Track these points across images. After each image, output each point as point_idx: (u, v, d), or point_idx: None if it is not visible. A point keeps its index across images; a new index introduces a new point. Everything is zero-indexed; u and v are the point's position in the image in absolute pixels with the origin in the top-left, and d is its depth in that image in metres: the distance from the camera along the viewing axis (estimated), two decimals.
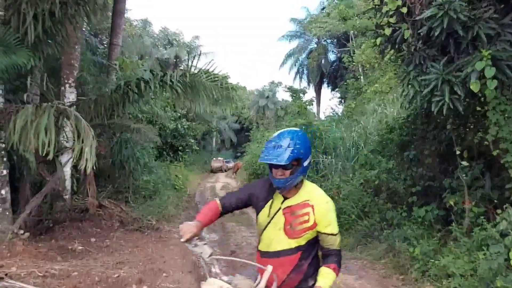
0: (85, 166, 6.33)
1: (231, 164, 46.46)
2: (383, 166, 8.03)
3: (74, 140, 9.24)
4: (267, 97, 58.75)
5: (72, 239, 8.27)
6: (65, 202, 9.16)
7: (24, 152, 7.34)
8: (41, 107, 6.71)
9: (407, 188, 7.77)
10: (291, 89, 49.66)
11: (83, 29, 22.46)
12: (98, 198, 9.90)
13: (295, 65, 40.15)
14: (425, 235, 6.81)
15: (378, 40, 6.41)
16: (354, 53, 24.22)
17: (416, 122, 8.11)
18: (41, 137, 6.46)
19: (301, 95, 48.54)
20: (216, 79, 8.84)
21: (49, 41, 7.83)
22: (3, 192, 7.30)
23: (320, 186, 9.18)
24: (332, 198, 8.43)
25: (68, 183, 9.33)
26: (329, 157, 13.67)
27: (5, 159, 7.40)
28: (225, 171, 44.04)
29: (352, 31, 27.39)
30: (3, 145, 7.30)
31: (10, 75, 7.12)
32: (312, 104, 41.46)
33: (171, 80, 8.88)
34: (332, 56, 38.14)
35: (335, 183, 10.77)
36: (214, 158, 46.10)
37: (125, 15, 28.88)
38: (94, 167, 9.71)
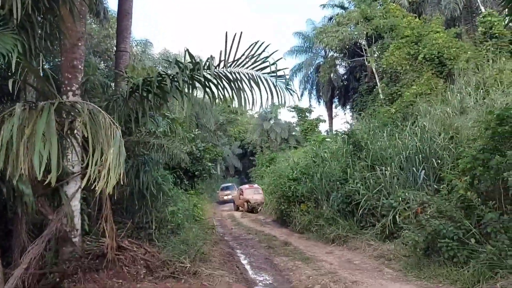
0: (106, 183, 4.11)
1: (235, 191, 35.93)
2: None
3: (82, 162, 7.11)
4: (270, 119, 57.20)
5: None
6: (74, 246, 6.83)
7: (17, 181, 5.14)
8: (37, 107, 4.51)
9: None
10: (296, 109, 48.00)
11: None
12: (116, 238, 7.58)
13: (302, 82, 38.42)
14: None
15: None
16: (378, 57, 22.30)
17: None
18: (37, 152, 4.23)
19: (307, 114, 46.95)
20: (267, 65, 6.61)
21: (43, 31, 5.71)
22: None
23: (380, 205, 7.17)
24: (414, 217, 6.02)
25: (77, 221, 7.02)
26: (383, 168, 11.41)
27: None
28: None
29: (367, 37, 25.64)
30: None
31: None
32: (324, 121, 39.70)
33: (203, 76, 6.80)
34: (341, 70, 36.41)
35: (417, 198, 8.49)
36: (223, 187, 36.33)
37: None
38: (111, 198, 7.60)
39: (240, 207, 26.10)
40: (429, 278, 6.95)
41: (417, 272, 7.36)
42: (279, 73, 6.64)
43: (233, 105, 6.79)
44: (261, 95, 6.77)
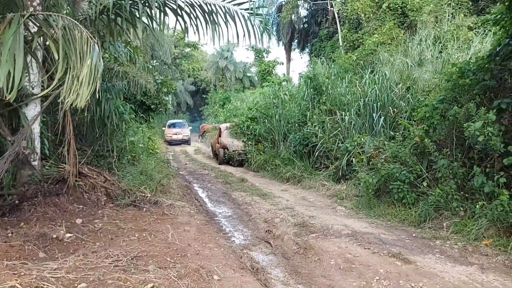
0: (80, 97, 4.02)
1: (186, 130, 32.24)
2: (484, 118, 6.15)
3: (43, 83, 6.80)
4: (226, 57, 56.09)
5: (50, 221, 5.91)
6: (34, 170, 6.66)
7: None
8: (5, 19, 4.20)
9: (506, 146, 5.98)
10: (254, 49, 47.27)
11: None
12: (76, 164, 7.44)
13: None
14: None
15: None
16: (343, 3, 22.12)
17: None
18: (3, 66, 4.03)
19: (265, 55, 46.35)
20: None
21: None
22: None
23: (335, 149, 7.71)
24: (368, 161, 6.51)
25: (37, 144, 6.80)
26: (343, 113, 11.74)
27: None
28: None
29: None
30: None
31: None
32: (282, 64, 39.48)
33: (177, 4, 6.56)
34: (303, 12, 35.91)
35: (371, 144, 8.90)
36: (171, 123, 31.39)
37: None
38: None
39: (217, 154, 18.31)
40: (379, 216, 7.48)
41: (367, 210, 7.90)
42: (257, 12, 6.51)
43: (203, 40, 6.43)
44: (237, 31, 6.65)
